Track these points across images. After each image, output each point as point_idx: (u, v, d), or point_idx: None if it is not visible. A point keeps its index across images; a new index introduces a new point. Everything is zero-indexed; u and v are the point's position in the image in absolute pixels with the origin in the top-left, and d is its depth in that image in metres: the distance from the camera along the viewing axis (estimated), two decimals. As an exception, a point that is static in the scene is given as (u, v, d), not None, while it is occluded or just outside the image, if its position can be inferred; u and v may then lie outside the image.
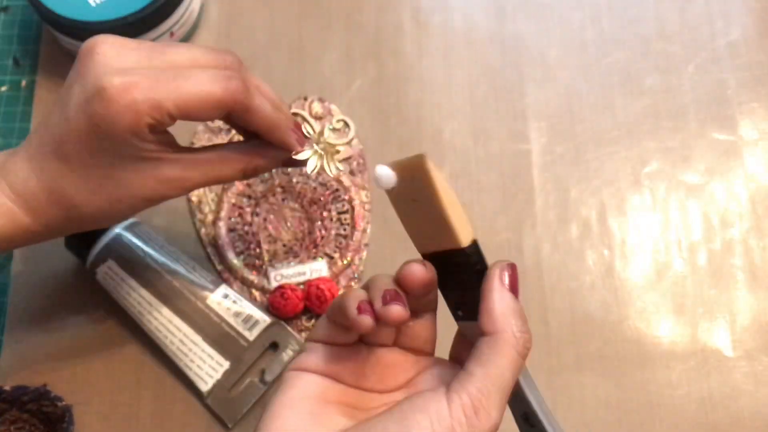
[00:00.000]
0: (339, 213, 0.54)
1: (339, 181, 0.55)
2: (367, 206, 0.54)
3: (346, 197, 0.54)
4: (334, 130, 0.56)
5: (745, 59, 0.58)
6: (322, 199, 0.54)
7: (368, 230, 0.54)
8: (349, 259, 0.53)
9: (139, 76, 0.36)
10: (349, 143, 0.56)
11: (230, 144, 0.43)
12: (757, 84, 0.58)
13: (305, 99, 0.57)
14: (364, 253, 0.53)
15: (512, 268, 0.34)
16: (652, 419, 0.50)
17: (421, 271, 0.35)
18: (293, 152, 0.44)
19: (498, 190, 0.55)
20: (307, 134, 0.47)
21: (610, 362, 0.51)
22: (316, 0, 0.60)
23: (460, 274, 0.35)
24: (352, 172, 0.55)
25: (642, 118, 0.57)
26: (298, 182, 0.55)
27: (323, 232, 0.53)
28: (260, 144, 0.42)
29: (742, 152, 0.56)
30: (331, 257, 0.53)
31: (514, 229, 0.54)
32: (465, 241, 0.34)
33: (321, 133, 0.49)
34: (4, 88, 0.58)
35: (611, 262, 0.53)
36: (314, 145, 0.49)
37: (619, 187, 0.55)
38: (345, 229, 0.54)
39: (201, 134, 0.56)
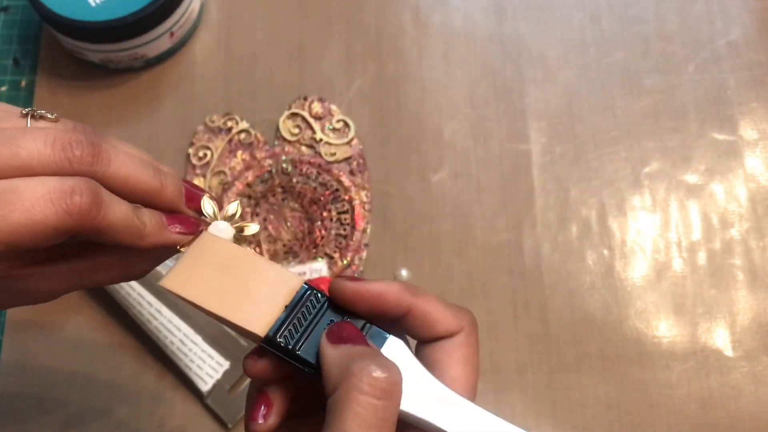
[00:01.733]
0: (339, 213, 0.54)
1: (339, 181, 0.55)
2: (367, 206, 0.54)
3: (346, 197, 0.54)
4: (333, 130, 0.56)
5: (745, 59, 0.58)
6: (322, 199, 0.54)
7: (368, 230, 0.54)
8: (349, 259, 0.53)
9: None
10: (349, 143, 0.56)
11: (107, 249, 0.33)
12: (757, 84, 0.58)
13: (305, 99, 0.57)
14: (364, 253, 0.53)
15: (337, 325, 0.30)
16: (652, 419, 0.50)
17: (248, 366, 0.31)
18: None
19: (498, 190, 0.55)
20: (205, 215, 0.36)
21: (610, 362, 0.51)
22: (316, 0, 0.60)
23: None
24: (352, 172, 0.55)
25: (642, 118, 0.57)
26: (298, 182, 0.55)
27: (323, 232, 0.53)
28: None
29: (742, 152, 0.56)
30: (331, 257, 0.53)
31: (514, 229, 0.54)
32: (261, 331, 0.30)
33: (232, 217, 0.36)
34: (4, 88, 0.58)
35: (611, 262, 0.53)
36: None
37: (619, 187, 0.55)
38: (345, 229, 0.54)
39: (201, 134, 0.56)
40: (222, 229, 0.34)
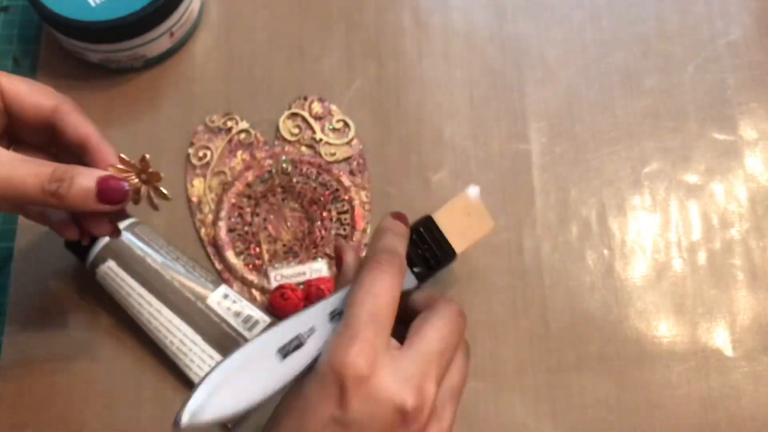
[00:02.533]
0: (339, 213, 0.54)
1: (339, 181, 0.55)
2: (367, 206, 0.54)
3: (346, 197, 0.54)
4: (333, 130, 0.56)
5: (745, 59, 0.58)
6: (322, 199, 0.54)
7: (368, 230, 0.54)
8: (349, 259, 0.53)
9: None
10: (349, 143, 0.56)
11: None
12: (757, 84, 0.58)
13: (305, 99, 0.57)
14: (364, 253, 0.53)
15: None
16: (652, 419, 0.50)
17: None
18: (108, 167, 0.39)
19: (498, 190, 0.55)
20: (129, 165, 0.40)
21: (610, 362, 0.51)
22: (316, 0, 0.60)
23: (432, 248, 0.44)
24: (352, 172, 0.55)
25: (642, 118, 0.57)
26: (298, 182, 0.55)
27: (323, 232, 0.53)
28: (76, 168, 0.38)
29: (742, 152, 0.56)
30: (332, 257, 0.53)
31: (514, 229, 0.54)
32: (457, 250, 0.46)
33: (142, 160, 0.40)
34: (4, 88, 0.58)
35: (611, 262, 0.53)
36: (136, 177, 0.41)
37: (619, 187, 0.55)
38: (345, 229, 0.54)
39: (201, 134, 0.56)
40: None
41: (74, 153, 0.40)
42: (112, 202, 0.38)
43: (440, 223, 0.46)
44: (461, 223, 0.47)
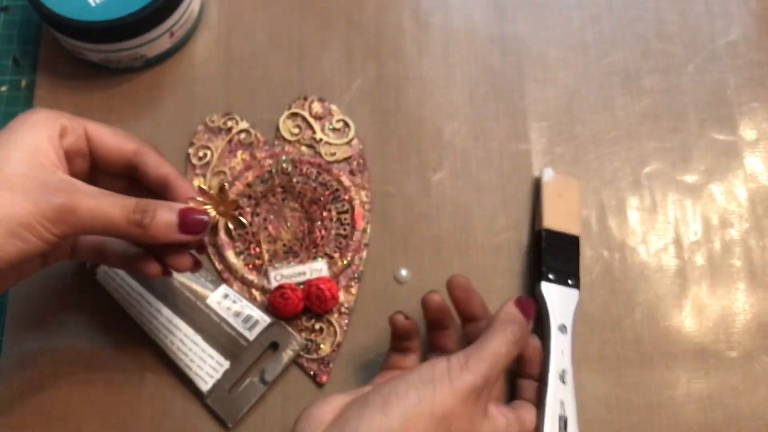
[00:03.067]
0: (339, 213, 0.54)
1: (339, 181, 0.55)
2: (367, 206, 0.54)
3: (346, 197, 0.54)
4: (333, 130, 0.56)
5: (745, 59, 0.58)
6: (322, 199, 0.54)
7: (368, 230, 0.54)
8: (349, 259, 0.53)
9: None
10: (349, 143, 0.56)
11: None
12: (757, 84, 0.58)
13: (305, 99, 0.57)
14: (364, 253, 0.53)
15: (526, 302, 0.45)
16: (651, 419, 0.50)
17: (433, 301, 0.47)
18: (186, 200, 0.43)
19: (498, 190, 0.55)
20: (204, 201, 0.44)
21: (610, 362, 0.51)
22: (316, 0, 0.60)
23: (564, 251, 0.52)
24: (352, 172, 0.55)
25: (642, 118, 0.57)
26: (298, 182, 0.55)
27: (323, 232, 0.53)
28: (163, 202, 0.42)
29: (742, 152, 0.56)
30: (331, 257, 0.53)
31: (514, 229, 0.54)
32: (578, 232, 0.53)
33: (221, 191, 0.45)
34: (4, 88, 0.58)
35: (611, 262, 0.53)
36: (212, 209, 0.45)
37: (619, 187, 0.55)
38: (345, 229, 0.54)
39: (201, 134, 0.56)
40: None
41: (154, 191, 0.43)
42: (193, 232, 0.41)
43: (551, 226, 0.52)
44: (562, 209, 0.53)
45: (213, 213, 0.44)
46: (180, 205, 0.41)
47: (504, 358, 0.41)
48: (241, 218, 0.45)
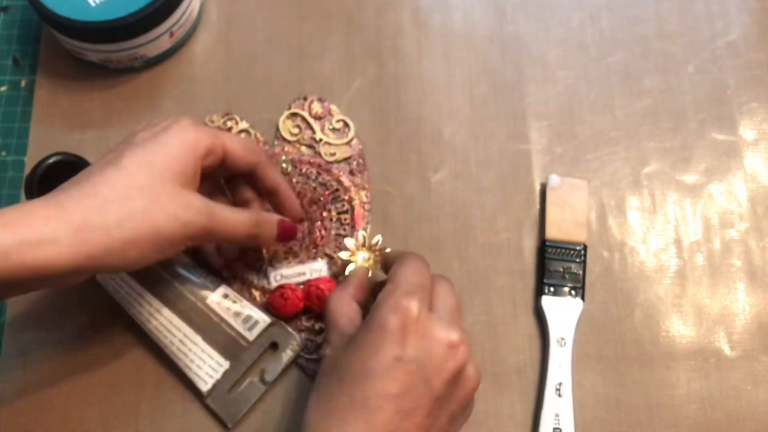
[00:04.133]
0: (339, 213, 0.54)
1: (339, 181, 0.55)
2: (366, 206, 0.54)
3: (346, 197, 0.54)
4: (333, 130, 0.56)
5: (745, 59, 0.58)
6: (321, 199, 0.54)
7: (368, 230, 0.54)
8: (349, 259, 0.53)
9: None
10: (348, 143, 0.56)
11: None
12: (757, 84, 0.58)
13: (305, 99, 0.57)
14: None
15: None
16: (651, 419, 0.50)
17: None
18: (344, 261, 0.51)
19: (498, 190, 0.55)
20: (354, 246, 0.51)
21: (610, 362, 0.51)
22: (316, 0, 0.60)
23: (569, 260, 0.52)
24: (352, 172, 0.55)
25: (642, 118, 0.57)
26: (298, 182, 0.55)
27: (323, 232, 0.53)
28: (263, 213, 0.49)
29: (742, 152, 0.56)
30: (331, 257, 0.53)
31: (514, 229, 0.54)
32: (584, 239, 0.53)
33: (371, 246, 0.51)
34: (3, 88, 0.58)
35: (611, 262, 0.53)
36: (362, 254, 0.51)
37: (619, 187, 0.55)
38: (345, 229, 0.54)
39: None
40: None
41: (265, 196, 0.50)
42: (287, 240, 0.50)
43: (555, 237, 0.52)
44: (567, 217, 0.53)
45: (367, 265, 0.50)
46: (279, 218, 0.49)
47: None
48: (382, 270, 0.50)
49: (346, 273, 0.49)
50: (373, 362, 0.39)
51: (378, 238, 0.51)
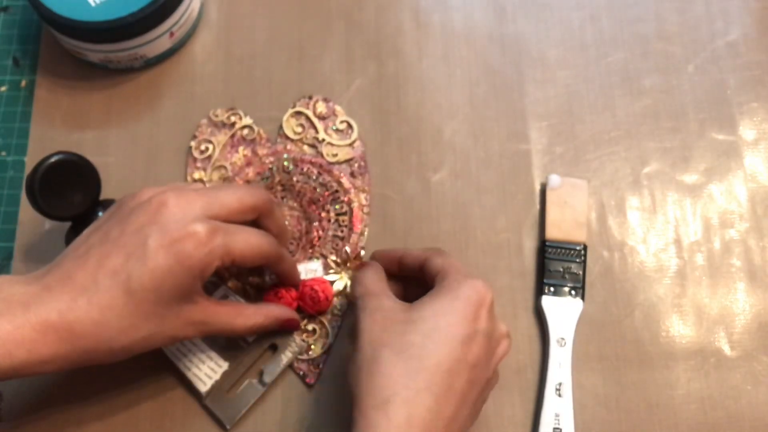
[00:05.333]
0: (337, 214, 0.54)
1: (339, 183, 0.55)
2: (365, 209, 0.54)
3: (345, 199, 0.54)
4: (337, 131, 0.56)
5: (745, 59, 0.58)
6: (321, 199, 0.54)
7: (366, 233, 0.54)
8: (347, 259, 0.53)
9: (216, 225, 0.42)
10: (351, 145, 0.56)
11: (246, 303, 0.50)
12: (757, 84, 0.58)
13: (310, 98, 0.57)
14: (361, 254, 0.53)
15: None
16: (651, 419, 0.50)
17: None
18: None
19: (498, 190, 0.55)
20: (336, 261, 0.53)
21: (610, 362, 0.51)
22: (316, 0, 0.60)
23: (569, 260, 0.52)
24: (352, 174, 0.55)
25: (642, 118, 0.57)
26: (298, 181, 0.55)
27: (320, 232, 0.53)
28: (267, 306, 0.49)
29: (742, 152, 0.56)
30: (327, 259, 0.53)
31: (514, 229, 0.54)
32: (584, 239, 0.53)
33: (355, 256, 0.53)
34: (3, 88, 0.58)
35: (611, 262, 0.53)
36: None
37: (619, 187, 0.55)
38: (342, 231, 0.53)
39: (204, 128, 0.56)
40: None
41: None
42: (282, 330, 0.50)
43: (554, 237, 0.52)
44: (567, 216, 0.53)
45: (345, 280, 0.52)
46: (283, 318, 0.49)
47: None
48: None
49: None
50: (458, 329, 0.41)
51: (362, 252, 0.53)
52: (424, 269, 0.46)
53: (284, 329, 0.50)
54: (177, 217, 0.42)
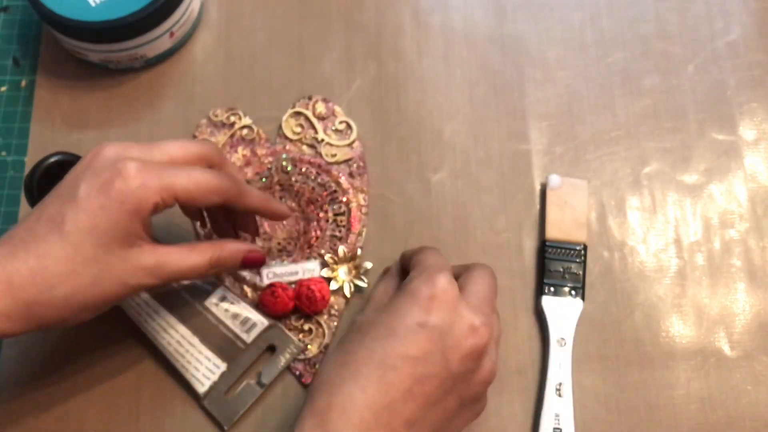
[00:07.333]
0: (335, 215, 0.54)
1: (338, 183, 0.54)
2: (363, 209, 0.54)
3: (344, 199, 0.54)
4: (336, 131, 0.56)
5: (745, 59, 0.58)
6: (319, 199, 0.54)
7: (363, 234, 0.54)
8: (344, 259, 0.53)
9: (149, 163, 0.41)
10: (350, 145, 0.56)
11: (197, 240, 0.50)
12: (757, 84, 0.58)
13: (309, 99, 0.57)
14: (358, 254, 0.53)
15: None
16: (651, 419, 0.50)
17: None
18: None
19: (498, 190, 0.55)
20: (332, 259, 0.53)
21: (610, 362, 0.51)
22: (316, 0, 0.60)
23: (569, 260, 0.52)
24: (351, 175, 0.55)
25: (642, 118, 0.57)
26: (297, 181, 0.55)
27: (318, 232, 0.53)
28: (223, 241, 0.47)
29: (742, 152, 0.56)
30: (324, 258, 0.53)
31: (514, 229, 0.54)
32: (584, 239, 0.52)
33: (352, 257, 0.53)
34: (4, 88, 0.58)
35: (611, 262, 0.53)
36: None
37: (619, 187, 0.55)
38: (340, 231, 0.53)
39: (204, 128, 0.56)
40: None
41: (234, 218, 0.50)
42: (251, 267, 0.47)
43: (555, 237, 0.52)
44: (567, 216, 0.53)
45: (347, 279, 0.52)
46: (243, 251, 0.46)
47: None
48: (362, 280, 0.52)
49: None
50: (398, 323, 0.41)
51: (359, 252, 0.53)
52: (409, 267, 0.47)
53: (249, 265, 0.47)
54: (110, 161, 0.41)
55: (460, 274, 0.47)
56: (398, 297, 0.43)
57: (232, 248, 0.46)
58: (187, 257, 0.43)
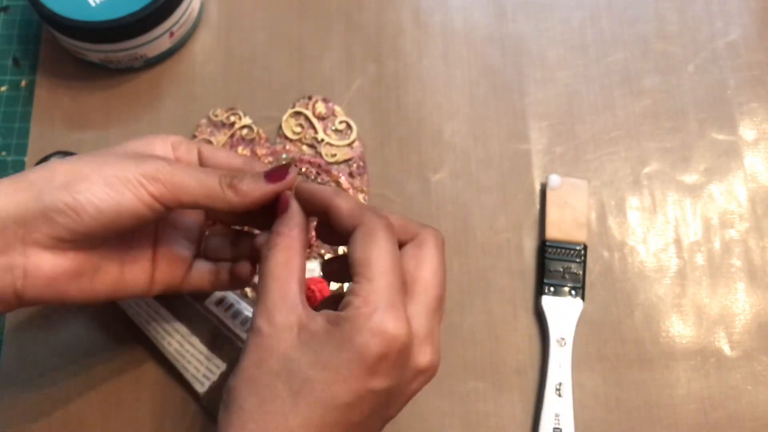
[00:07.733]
0: (337, 213, 0.54)
1: (337, 183, 0.54)
2: (365, 207, 0.54)
3: (345, 198, 0.54)
4: (336, 131, 0.56)
5: (745, 59, 0.58)
6: (321, 198, 0.54)
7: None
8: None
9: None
10: (350, 145, 0.56)
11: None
12: (757, 84, 0.58)
13: (309, 98, 0.57)
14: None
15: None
16: (651, 419, 0.50)
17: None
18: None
19: (498, 190, 0.55)
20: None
21: (610, 362, 0.51)
22: (316, 0, 0.60)
23: (569, 260, 0.52)
24: (351, 174, 0.55)
25: (642, 118, 0.57)
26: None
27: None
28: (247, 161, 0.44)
29: (742, 152, 0.56)
30: (324, 258, 0.53)
31: (514, 229, 0.54)
32: (584, 239, 0.52)
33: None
34: (3, 88, 0.58)
35: (611, 262, 0.53)
36: None
37: (619, 187, 0.55)
38: (342, 230, 0.53)
39: (204, 128, 0.56)
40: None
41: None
42: (279, 178, 0.40)
43: (554, 237, 0.52)
44: (567, 216, 0.53)
45: None
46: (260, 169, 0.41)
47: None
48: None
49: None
50: (342, 390, 0.34)
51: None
52: (348, 256, 0.37)
53: (275, 181, 0.40)
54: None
55: (404, 241, 0.39)
56: (340, 350, 0.34)
57: (249, 167, 0.42)
58: (199, 173, 0.39)
